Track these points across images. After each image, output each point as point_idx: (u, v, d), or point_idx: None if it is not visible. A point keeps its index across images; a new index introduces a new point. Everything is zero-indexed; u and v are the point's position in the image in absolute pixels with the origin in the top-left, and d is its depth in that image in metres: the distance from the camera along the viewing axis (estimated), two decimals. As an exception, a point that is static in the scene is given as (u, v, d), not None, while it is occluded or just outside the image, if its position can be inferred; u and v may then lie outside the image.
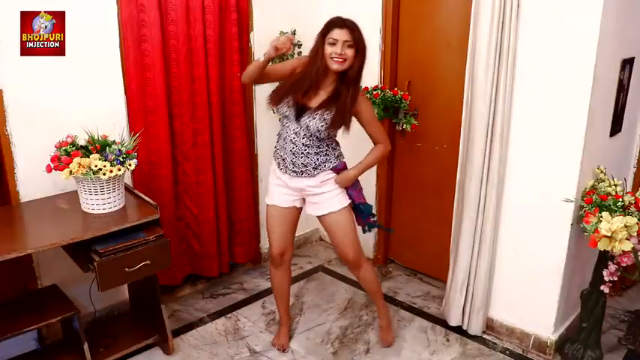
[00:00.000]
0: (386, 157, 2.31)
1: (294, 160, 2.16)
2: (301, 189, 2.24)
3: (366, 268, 2.38)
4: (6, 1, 2.07)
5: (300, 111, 2.11)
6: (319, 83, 2.12)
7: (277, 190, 2.30)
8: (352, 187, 2.27)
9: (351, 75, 2.08)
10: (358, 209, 2.32)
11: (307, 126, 2.09)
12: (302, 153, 2.15)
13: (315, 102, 2.11)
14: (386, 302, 2.60)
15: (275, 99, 2.17)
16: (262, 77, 2.14)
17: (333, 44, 2.03)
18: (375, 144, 2.27)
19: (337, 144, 2.27)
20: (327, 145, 2.19)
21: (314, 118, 2.08)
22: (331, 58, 2.04)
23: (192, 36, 2.60)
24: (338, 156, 2.24)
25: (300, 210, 2.36)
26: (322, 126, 2.08)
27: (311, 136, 2.11)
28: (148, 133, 2.57)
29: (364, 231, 2.41)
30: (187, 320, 2.73)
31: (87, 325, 2.48)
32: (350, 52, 2.04)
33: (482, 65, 2.23)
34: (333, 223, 2.27)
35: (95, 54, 2.35)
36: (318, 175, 2.19)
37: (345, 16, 2.10)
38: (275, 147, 2.29)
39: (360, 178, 2.30)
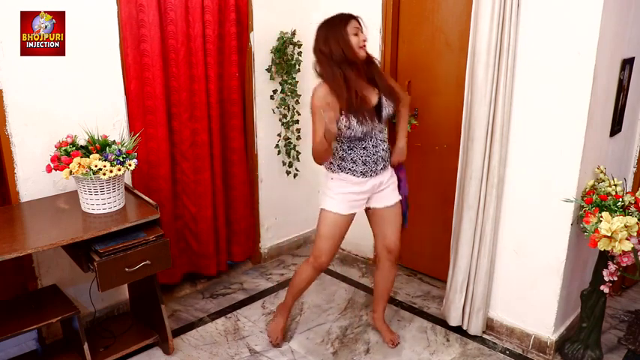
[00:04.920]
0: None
1: (384, 156, 2.24)
2: (380, 183, 2.27)
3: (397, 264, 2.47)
4: (6, 1, 2.07)
5: (378, 111, 2.16)
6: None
7: (350, 197, 2.24)
8: (403, 171, 2.41)
9: (371, 59, 2.19)
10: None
11: (388, 115, 2.19)
12: (386, 144, 2.26)
13: (372, 95, 2.17)
14: None
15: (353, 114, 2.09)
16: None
17: (356, 34, 2.10)
18: (400, 104, 2.32)
19: None
20: None
21: (389, 105, 2.18)
22: (360, 47, 2.10)
23: (191, 36, 2.61)
24: (401, 137, 2.39)
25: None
26: (392, 106, 2.20)
27: (384, 124, 2.23)
28: (147, 132, 2.58)
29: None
30: (187, 320, 2.73)
31: (87, 325, 2.48)
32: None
33: (482, 65, 2.23)
34: (392, 215, 2.33)
35: (95, 54, 2.35)
36: (389, 166, 2.31)
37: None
38: (352, 160, 2.18)
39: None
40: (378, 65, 2.25)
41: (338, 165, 2.23)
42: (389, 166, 2.31)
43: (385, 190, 2.31)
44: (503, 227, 2.45)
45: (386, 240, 2.38)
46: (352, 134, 2.12)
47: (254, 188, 3.17)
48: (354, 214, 2.31)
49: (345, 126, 2.10)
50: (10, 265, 2.22)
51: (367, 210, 2.38)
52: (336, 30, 2.09)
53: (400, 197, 2.36)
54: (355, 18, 2.13)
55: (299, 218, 3.49)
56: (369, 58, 2.18)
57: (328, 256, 2.32)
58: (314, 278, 2.43)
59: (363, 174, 2.21)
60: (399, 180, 2.38)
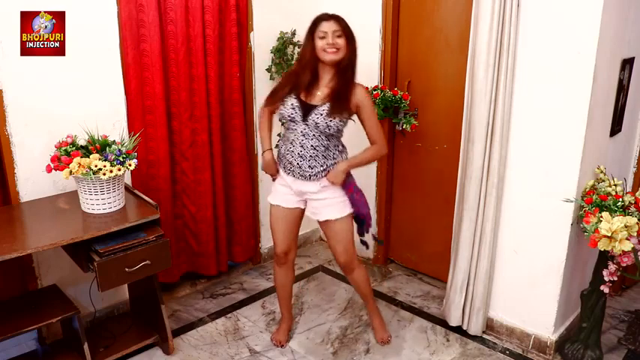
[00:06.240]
0: (379, 158, 2.26)
1: (301, 163, 2.15)
2: (303, 192, 2.23)
3: (358, 272, 2.40)
4: (6, 1, 2.07)
5: (307, 110, 2.10)
6: (318, 80, 2.13)
7: (282, 190, 2.28)
8: (352, 189, 2.22)
9: (343, 63, 2.10)
10: (358, 220, 2.31)
11: (316, 123, 2.08)
12: (310, 156, 2.13)
13: (318, 99, 2.12)
14: (376, 302, 2.64)
15: (273, 101, 2.20)
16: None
17: (323, 37, 2.06)
18: (371, 144, 2.22)
19: (344, 148, 2.24)
20: (335, 148, 2.17)
21: (321, 114, 2.07)
22: (324, 50, 2.06)
23: (191, 36, 2.61)
24: (345, 160, 2.21)
25: (304, 210, 2.33)
26: (330, 120, 2.06)
27: (320, 134, 2.10)
28: (147, 132, 2.58)
29: (362, 242, 2.37)
30: (187, 320, 2.73)
31: (87, 325, 2.48)
32: (341, 41, 2.07)
33: (482, 65, 2.23)
34: (329, 230, 2.28)
35: (95, 54, 2.35)
36: (321, 180, 2.17)
37: (346, 16, 2.13)
38: (278, 150, 2.26)
39: (360, 181, 2.30)
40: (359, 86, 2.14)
41: (280, 159, 2.26)
42: (318, 179, 2.16)
43: (316, 203, 2.22)
44: (503, 227, 2.45)
45: (332, 252, 2.38)
46: (279, 113, 2.18)
47: (254, 188, 3.17)
48: (291, 209, 2.28)
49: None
50: (10, 265, 2.22)
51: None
52: (307, 31, 2.13)
53: (339, 215, 2.21)
54: (328, 19, 2.07)
55: (299, 218, 3.49)
56: (343, 66, 2.10)
57: (282, 246, 2.35)
58: (280, 274, 2.45)
59: (284, 167, 2.22)
60: (354, 200, 2.23)
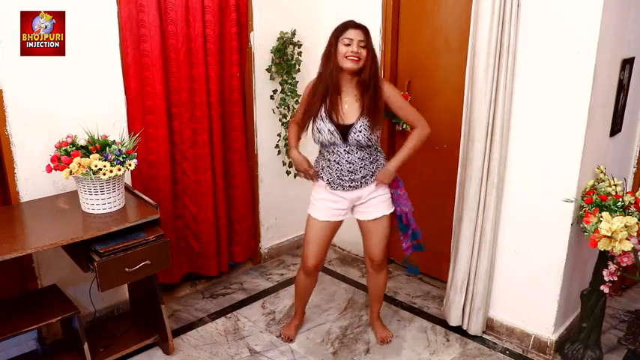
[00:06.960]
0: (425, 139, 2.23)
1: (352, 177, 2.20)
2: (358, 197, 2.26)
3: (385, 272, 2.47)
4: (6, 1, 2.07)
5: (344, 131, 2.14)
6: (339, 91, 2.15)
7: (326, 205, 2.28)
8: (397, 184, 2.29)
9: (364, 76, 2.11)
10: (400, 222, 2.35)
11: (357, 141, 2.13)
12: (359, 167, 2.20)
13: (351, 117, 2.15)
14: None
15: (303, 119, 2.26)
16: (303, 130, 2.32)
17: (348, 44, 2.07)
18: (412, 129, 2.26)
19: (379, 145, 2.29)
20: (376, 150, 2.24)
21: (360, 132, 2.12)
22: (346, 57, 2.07)
23: (191, 36, 2.61)
24: (385, 157, 2.30)
25: (341, 222, 2.37)
26: (370, 134, 2.13)
27: (363, 147, 2.17)
28: (147, 132, 2.58)
29: (412, 247, 2.43)
30: (187, 320, 2.73)
31: (87, 325, 2.48)
32: (364, 52, 2.09)
33: (482, 65, 2.23)
34: (375, 228, 2.30)
35: (95, 54, 2.35)
36: (370, 184, 2.25)
37: (346, 16, 2.14)
38: (321, 166, 2.27)
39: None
40: (384, 88, 2.16)
41: (318, 171, 2.28)
42: (370, 183, 2.23)
43: (367, 204, 2.27)
44: (503, 227, 2.45)
45: (369, 250, 2.39)
46: (314, 138, 2.21)
47: (254, 188, 3.17)
48: (334, 222, 2.32)
49: (314, 128, 2.19)
50: (10, 265, 2.22)
51: (357, 219, 2.37)
52: (333, 34, 2.13)
53: (388, 211, 2.29)
54: (356, 27, 2.09)
55: (299, 218, 3.46)
56: (368, 78, 2.10)
57: (313, 260, 2.34)
58: (306, 282, 2.46)
59: (330, 185, 2.23)
60: (397, 196, 2.31)
